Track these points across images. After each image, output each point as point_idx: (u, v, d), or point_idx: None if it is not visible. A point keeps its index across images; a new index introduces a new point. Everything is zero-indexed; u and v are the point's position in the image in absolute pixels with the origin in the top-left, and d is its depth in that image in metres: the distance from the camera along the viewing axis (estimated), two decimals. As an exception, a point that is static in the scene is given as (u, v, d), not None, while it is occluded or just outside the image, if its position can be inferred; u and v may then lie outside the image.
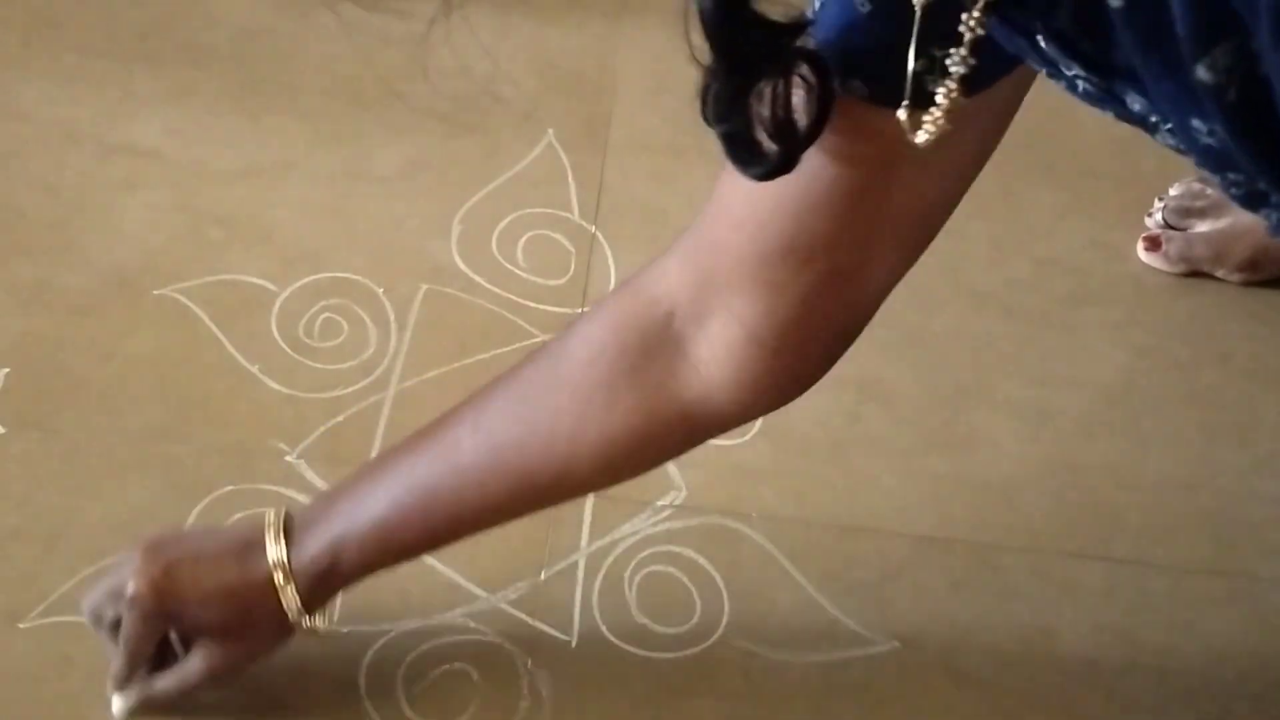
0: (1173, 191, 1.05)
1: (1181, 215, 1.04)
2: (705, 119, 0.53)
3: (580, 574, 0.85)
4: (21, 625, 0.79)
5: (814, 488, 0.90)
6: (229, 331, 0.95)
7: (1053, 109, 1.17)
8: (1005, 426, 0.94)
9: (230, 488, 0.87)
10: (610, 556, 0.86)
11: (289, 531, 0.72)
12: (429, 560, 0.84)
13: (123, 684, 0.74)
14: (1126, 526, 0.90)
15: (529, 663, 0.80)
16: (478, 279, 1.00)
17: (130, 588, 0.71)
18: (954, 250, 1.05)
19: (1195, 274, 1.04)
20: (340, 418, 0.91)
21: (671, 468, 0.90)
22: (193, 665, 0.73)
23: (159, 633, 0.73)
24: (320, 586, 0.72)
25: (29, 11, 1.17)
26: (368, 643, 0.80)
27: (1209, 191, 1.04)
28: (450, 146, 1.09)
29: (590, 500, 0.88)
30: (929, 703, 0.81)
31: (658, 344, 0.66)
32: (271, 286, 0.98)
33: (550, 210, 1.05)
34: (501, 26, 1.20)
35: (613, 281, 1.01)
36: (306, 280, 0.99)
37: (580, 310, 0.98)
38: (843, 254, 0.60)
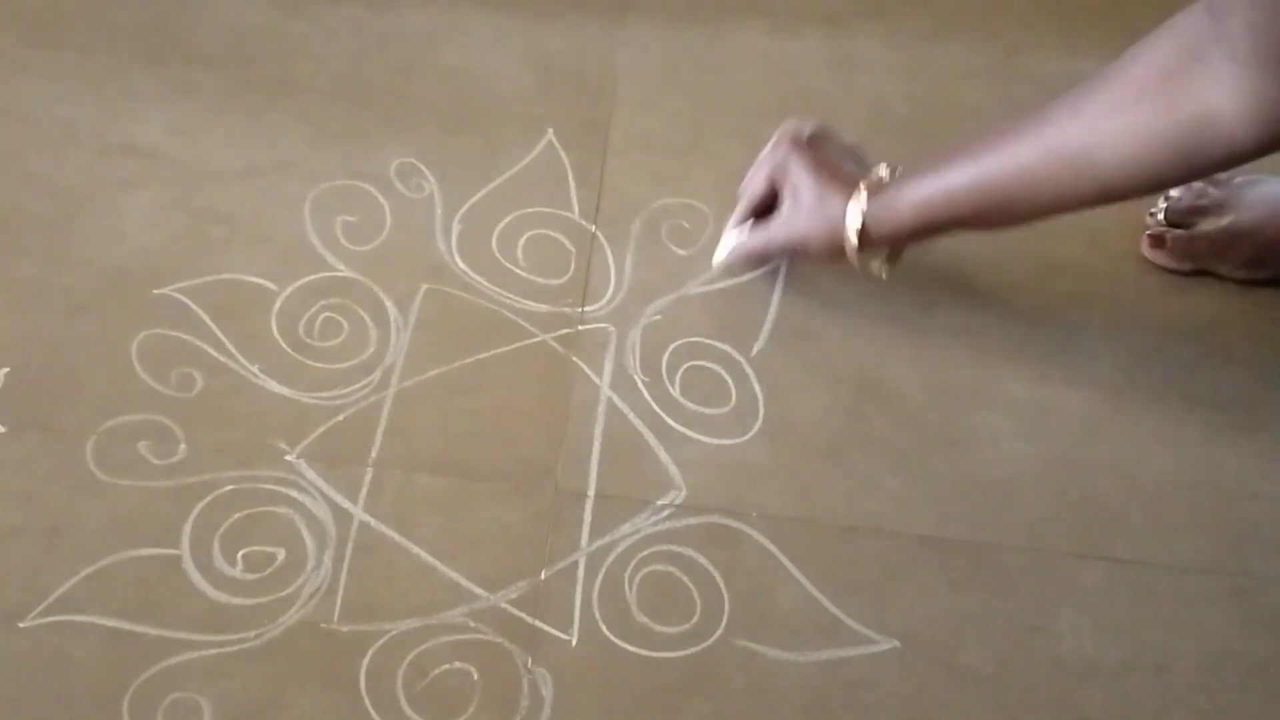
0: (1174, 192, 1.05)
1: (1184, 214, 1.04)
2: None
3: (580, 574, 0.85)
4: (21, 625, 0.80)
5: (814, 488, 0.90)
6: (229, 331, 0.95)
7: (1053, 109, 1.17)
8: (1005, 426, 0.94)
9: (230, 488, 0.87)
10: (610, 556, 0.86)
11: (879, 186, 0.90)
12: (429, 560, 0.84)
13: (736, 223, 1.00)
14: (1126, 526, 0.90)
15: (529, 663, 0.81)
16: (478, 279, 1.00)
17: (776, 145, 0.97)
18: (954, 250, 1.05)
19: (1198, 273, 1.04)
20: (340, 418, 0.91)
21: (672, 468, 0.90)
22: (773, 225, 0.96)
23: (771, 184, 0.97)
24: (876, 232, 0.90)
25: (29, 11, 1.17)
26: (368, 643, 0.80)
27: (1211, 190, 1.04)
28: (450, 146, 1.09)
29: (590, 500, 0.88)
30: (929, 702, 0.81)
31: (1186, 57, 0.75)
32: (271, 286, 0.98)
33: (550, 210, 1.05)
34: (501, 26, 1.20)
35: (612, 282, 1.01)
36: (306, 280, 0.99)
37: (581, 310, 0.98)
38: None
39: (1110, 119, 0.78)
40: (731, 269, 1.00)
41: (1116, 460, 0.93)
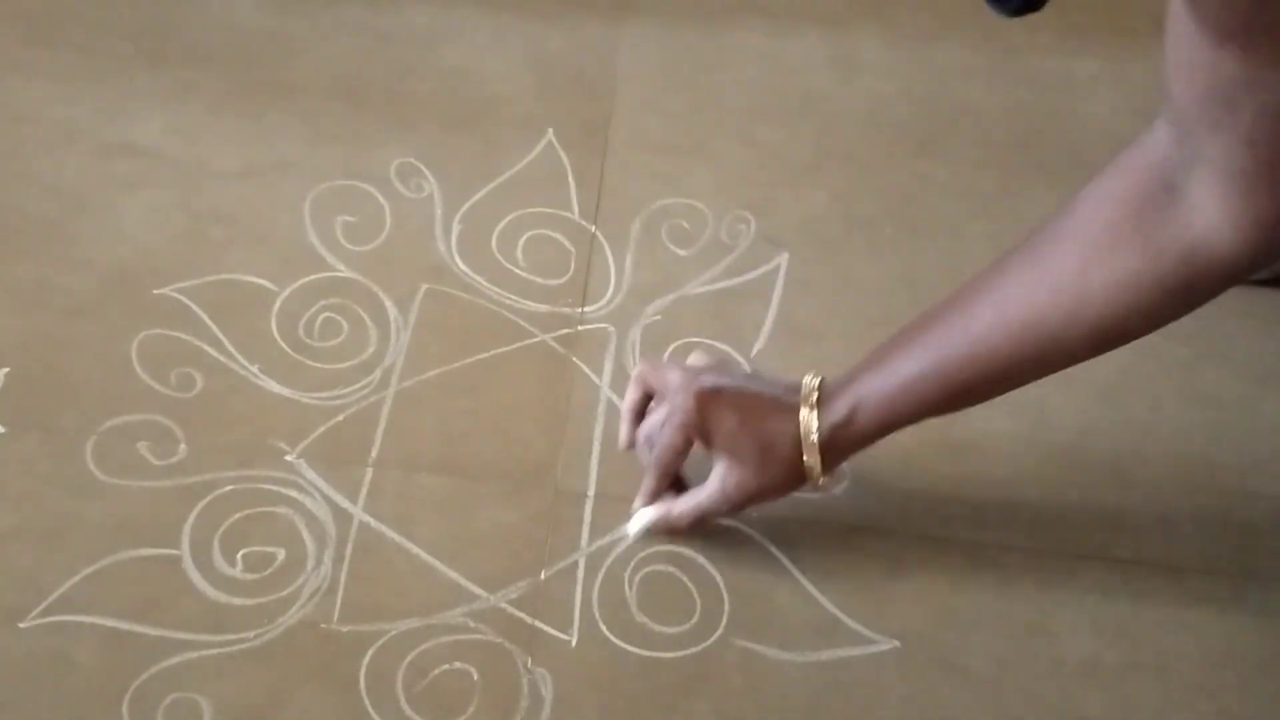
0: (1172, 192, 1.05)
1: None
2: None
3: (580, 574, 0.85)
4: (21, 625, 0.80)
5: (814, 488, 0.90)
6: (229, 331, 0.95)
7: (1052, 109, 1.18)
8: (1005, 426, 0.94)
9: (230, 488, 0.87)
10: (610, 556, 0.86)
11: (821, 398, 0.80)
12: (429, 560, 0.84)
13: (650, 497, 0.85)
14: (1126, 526, 0.90)
15: (529, 663, 0.80)
16: (478, 279, 1.00)
17: (678, 399, 0.82)
18: (954, 250, 1.05)
19: (1195, 274, 1.04)
20: (340, 418, 0.91)
21: (671, 468, 0.90)
22: (710, 487, 0.83)
23: (689, 445, 0.82)
24: (838, 445, 0.80)
25: (29, 11, 1.17)
26: (368, 643, 0.80)
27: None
28: (450, 146, 1.09)
29: (590, 500, 0.88)
30: (929, 702, 0.81)
31: (1156, 190, 0.69)
32: (271, 286, 0.98)
33: (550, 210, 1.05)
34: (501, 26, 1.20)
35: (612, 282, 1.01)
36: (306, 280, 0.99)
37: (580, 310, 0.98)
38: (1266, 89, 0.62)
39: (1084, 277, 0.71)
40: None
41: (1116, 460, 0.93)
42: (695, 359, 0.87)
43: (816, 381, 0.81)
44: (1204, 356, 1.00)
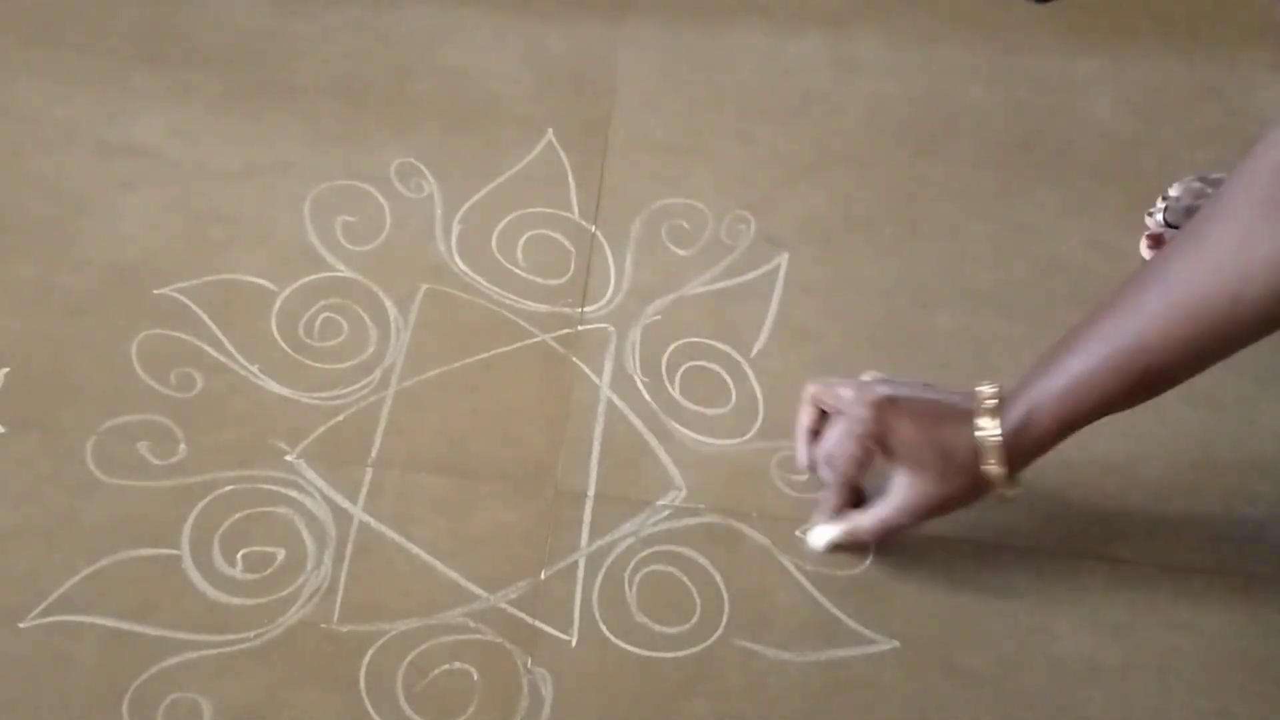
0: (1172, 192, 1.05)
1: (1183, 215, 1.04)
2: None
3: (580, 574, 0.85)
4: (21, 625, 0.80)
5: (813, 488, 0.90)
6: (229, 331, 0.95)
7: (1052, 109, 1.17)
8: (1005, 426, 0.94)
9: (230, 488, 0.87)
10: (610, 556, 0.86)
11: (998, 406, 0.79)
12: (429, 560, 0.84)
13: (833, 513, 0.85)
14: (1126, 526, 0.90)
15: (529, 663, 0.81)
16: (478, 279, 1.00)
17: (855, 410, 0.81)
18: (954, 250, 1.05)
19: (1195, 274, 1.04)
20: (340, 418, 0.91)
21: (672, 468, 0.90)
22: (892, 498, 0.82)
23: (868, 455, 0.82)
24: (1018, 450, 0.78)
25: (29, 11, 1.17)
26: (368, 643, 0.80)
27: (1209, 191, 1.04)
28: (450, 146, 1.09)
29: (590, 500, 0.88)
30: (929, 702, 0.81)
31: None
32: (271, 286, 0.98)
33: (550, 210, 1.05)
34: (501, 26, 1.20)
35: (612, 282, 1.01)
36: (306, 280, 0.99)
37: (580, 310, 0.98)
38: None
39: (1245, 252, 0.70)
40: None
41: (1116, 460, 0.93)
42: (868, 376, 0.86)
43: (994, 388, 0.80)
44: (1204, 356, 1.00)
